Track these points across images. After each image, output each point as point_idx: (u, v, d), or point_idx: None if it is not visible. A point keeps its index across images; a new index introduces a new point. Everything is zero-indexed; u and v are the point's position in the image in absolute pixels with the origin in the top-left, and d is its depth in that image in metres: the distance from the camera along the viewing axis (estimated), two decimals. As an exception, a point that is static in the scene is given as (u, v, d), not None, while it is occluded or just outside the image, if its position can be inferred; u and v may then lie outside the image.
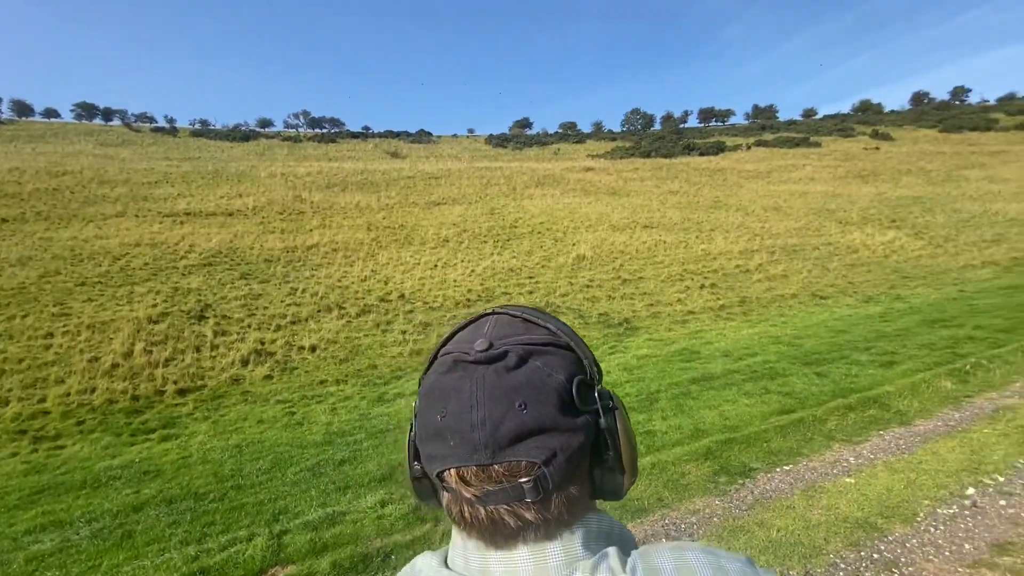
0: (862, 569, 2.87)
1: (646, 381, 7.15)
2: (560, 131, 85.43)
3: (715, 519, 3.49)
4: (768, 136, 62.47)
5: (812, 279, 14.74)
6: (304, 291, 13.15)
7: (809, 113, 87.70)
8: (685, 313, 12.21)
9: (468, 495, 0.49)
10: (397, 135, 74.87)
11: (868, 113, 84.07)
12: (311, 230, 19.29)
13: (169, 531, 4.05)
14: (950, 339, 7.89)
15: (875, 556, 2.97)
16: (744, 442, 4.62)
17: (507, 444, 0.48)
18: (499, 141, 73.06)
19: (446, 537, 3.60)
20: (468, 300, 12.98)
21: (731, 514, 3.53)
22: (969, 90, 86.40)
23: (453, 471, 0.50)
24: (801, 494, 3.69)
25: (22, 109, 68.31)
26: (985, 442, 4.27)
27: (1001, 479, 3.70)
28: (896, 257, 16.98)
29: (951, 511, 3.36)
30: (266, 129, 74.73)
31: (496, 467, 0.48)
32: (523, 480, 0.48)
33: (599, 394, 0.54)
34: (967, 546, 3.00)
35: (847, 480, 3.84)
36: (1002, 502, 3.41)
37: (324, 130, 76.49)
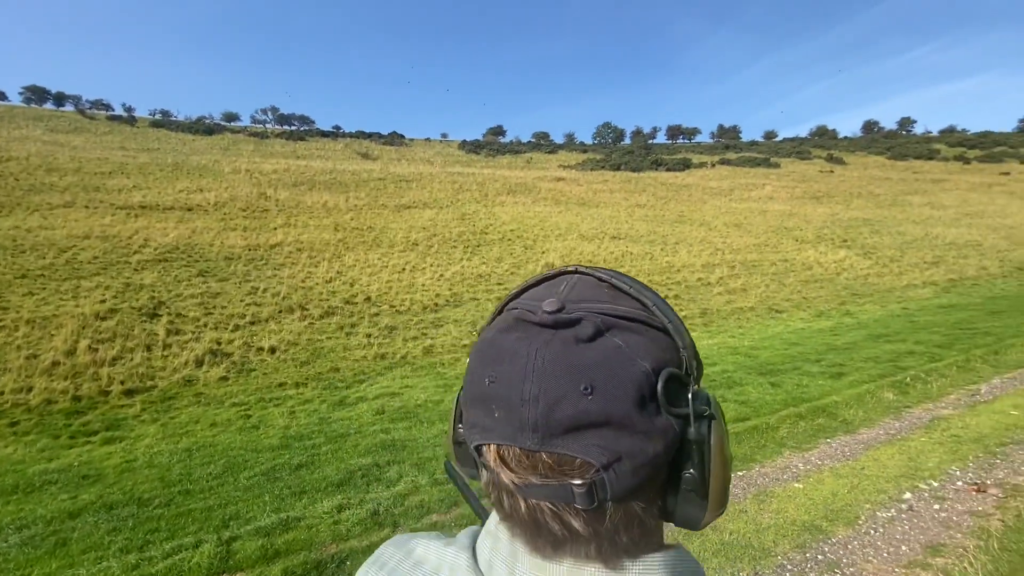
0: (807, 570, 2.99)
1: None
2: (533, 140, 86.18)
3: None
4: (732, 155, 64.72)
5: (769, 293, 15.30)
6: (265, 291, 12.77)
7: (770, 135, 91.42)
8: (648, 323, 12.44)
9: (507, 480, 0.42)
10: (369, 136, 73.86)
11: (824, 138, 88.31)
12: (275, 228, 18.78)
13: (108, 538, 3.84)
14: (893, 353, 8.34)
15: (819, 557, 3.10)
16: (701, 449, 4.73)
17: (560, 432, 0.39)
18: (472, 147, 73.08)
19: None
20: (436, 304, 12.89)
21: (686, 518, 3.61)
22: (915, 121, 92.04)
23: (493, 447, 0.43)
24: (753, 498, 3.81)
25: (-37, 90, 64.07)
26: (921, 450, 4.52)
27: (935, 484, 3.92)
28: (847, 275, 17.82)
29: (890, 514, 3.53)
30: (232, 123, 72.45)
31: (544, 455, 0.40)
32: (574, 482, 0.39)
33: (694, 395, 0.43)
34: (904, 548, 3.16)
35: (796, 485, 4.00)
36: (936, 506, 3.61)
37: (293, 127, 74.73)
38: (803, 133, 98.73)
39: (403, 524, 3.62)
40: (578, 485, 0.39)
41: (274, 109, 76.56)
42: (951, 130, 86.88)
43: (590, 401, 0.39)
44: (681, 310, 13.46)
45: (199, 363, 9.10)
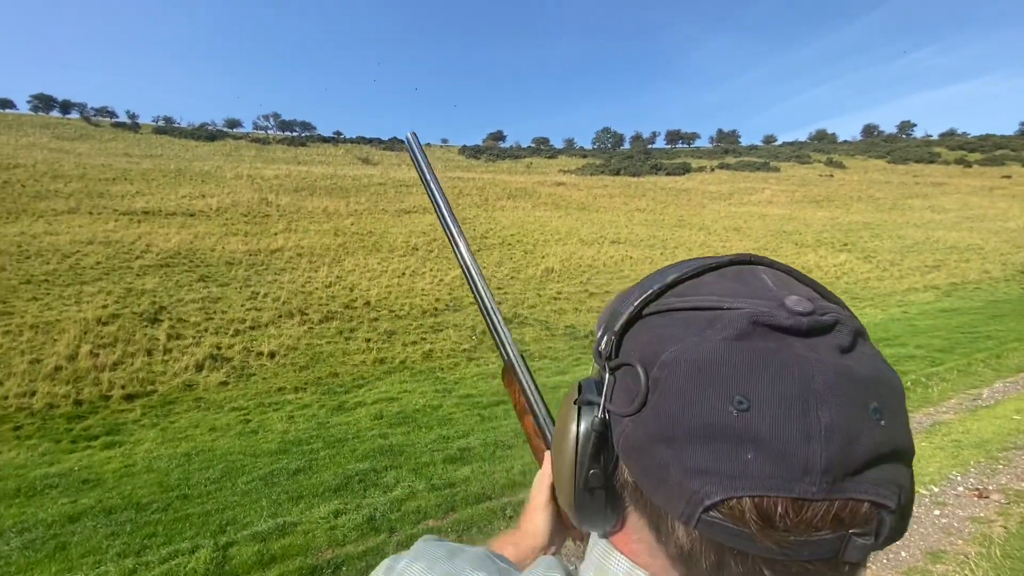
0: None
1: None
2: (533, 145, 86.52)
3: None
4: (731, 160, 64.84)
5: (770, 298, 15.26)
6: (266, 296, 12.80)
7: (769, 139, 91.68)
8: (649, 328, 12.44)
9: (765, 543, 0.31)
10: (369, 141, 74.20)
11: (823, 142, 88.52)
12: (276, 234, 18.83)
13: (107, 543, 3.84)
14: (893, 357, 8.31)
15: (817, 563, 3.07)
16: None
17: (856, 470, 0.31)
18: (473, 153, 73.34)
19: (401, 548, 3.54)
20: (436, 309, 12.90)
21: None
22: (914, 125, 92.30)
23: (747, 502, 0.31)
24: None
25: (-31, 97, 64.59)
26: (922, 455, 4.50)
27: (936, 490, 3.90)
28: (847, 279, 17.79)
29: (889, 520, 3.51)
30: (234, 130, 72.85)
31: (825, 504, 0.31)
32: (855, 531, 0.31)
33: None
34: (903, 554, 3.15)
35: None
36: (936, 512, 3.59)
37: (294, 133, 75.14)
38: (802, 137, 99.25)
39: (399, 530, 3.62)
40: (859, 535, 0.31)
41: (276, 115, 76.96)
42: (951, 133, 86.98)
43: (884, 428, 0.32)
44: (682, 314, 13.45)
45: (199, 368, 9.12)
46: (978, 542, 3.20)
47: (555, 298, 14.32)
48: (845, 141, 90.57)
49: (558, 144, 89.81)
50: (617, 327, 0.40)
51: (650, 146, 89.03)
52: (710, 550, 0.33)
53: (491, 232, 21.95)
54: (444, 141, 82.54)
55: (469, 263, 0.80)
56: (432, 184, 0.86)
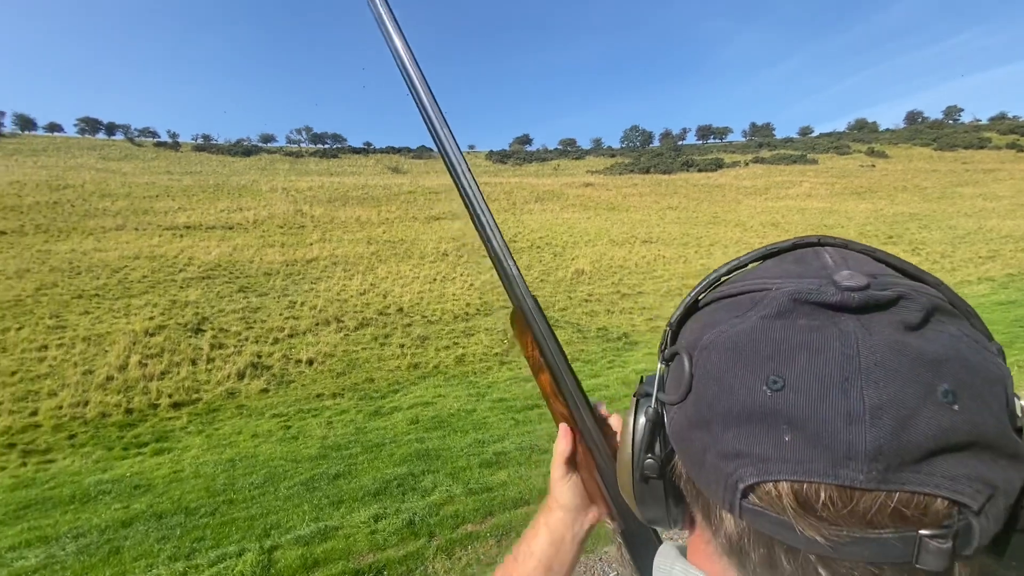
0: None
1: (645, 395, 7.10)
2: (560, 147, 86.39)
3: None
4: (766, 153, 63.14)
5: (811, 294, 14.75)
6: (303, 304, 13.11)
7: (806, 131, 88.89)
8: (684, 327, 12.19)
9: (809, 535, 0.28)
10: (398, 151, 75.56)
11: (863, 131, 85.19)
12: (311, 244, 19.32)
13: (158, 546, 3.96)
14: (950, 354, 7.87)
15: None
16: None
17: (915, 459, 0.27)
18: (499, 157, 73.73)
19: (440, 552, 3.51)
20: (467, 314, 12.95)
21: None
22: (961, 109, 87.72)
23: (786, 485, 0.28)
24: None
25: (25, 123, 68.98)
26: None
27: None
28: (894, 273, 17.02)
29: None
30: (268, 144, 75.42)
31: (882, 496, 0.27)
32: (928, 532, 0.27)
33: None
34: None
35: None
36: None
37: (326, 145, 77.19)
38: (841, 127, 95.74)
39: (439, 534, 3.60)
40: (935, 536, 0.27)
41: (308, 129, 79.33)
42: (1002, 117, 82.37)
43: (957, 413, 0.27)
44: (718, 313, 13.13)
45: (241, 376, 9.39)
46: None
47: (586, 300, 14.18)
48: (887, 129, 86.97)
49: (585, 144, 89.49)
50: (674, 319, 0.39)
51: (681, 143, 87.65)
52: (759, 543, 0.31)
53: (520, 235, 21.95)
54: (471, 147, 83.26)
55: (461, 171, 0.62)
56: (402, 54, 0.59)
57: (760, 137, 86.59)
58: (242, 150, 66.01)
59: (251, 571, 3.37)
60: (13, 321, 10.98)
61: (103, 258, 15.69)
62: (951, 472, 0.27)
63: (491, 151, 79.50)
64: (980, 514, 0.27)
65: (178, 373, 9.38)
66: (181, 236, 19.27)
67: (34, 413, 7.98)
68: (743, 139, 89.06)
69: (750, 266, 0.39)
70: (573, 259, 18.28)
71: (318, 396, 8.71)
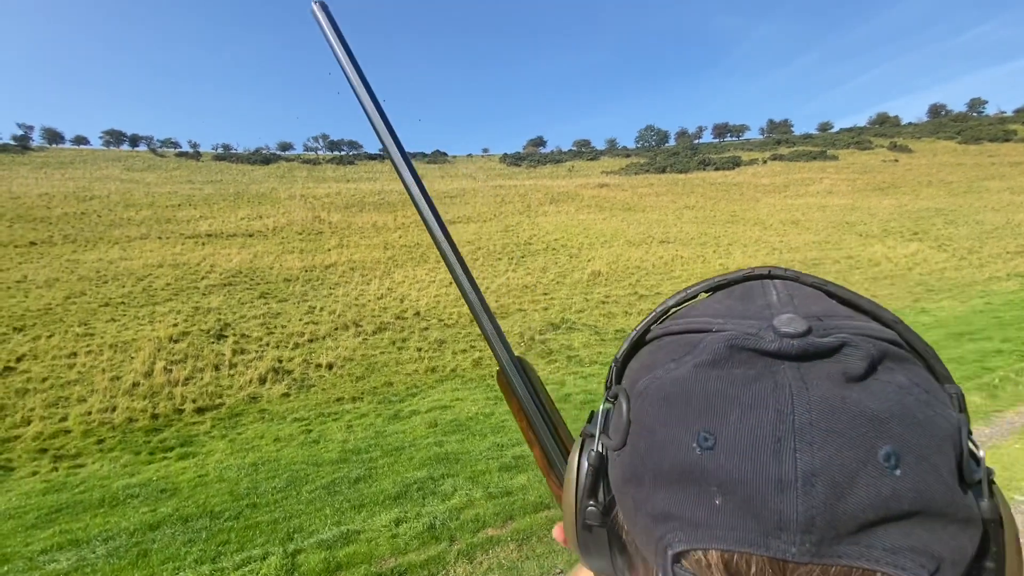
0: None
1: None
2: (574, 148, 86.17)
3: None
4: (784, 150, 62.15)
5: (833, 293, 14.45)
6: (322, 309, 13.27)
7: (825, 126, 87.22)
8: (703, 328, 12.03)
9: None
10: (413, 156, 75.81)
11: (885, 126, 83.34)
12: (329, 250, 19.55)
13: (184, 549, 4.03)
14: (978, 353, 7.63)
15: None
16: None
17: (854, 530, 0.25)
18: (514, 160, 73.83)
19: (461, 557, 3.49)
20: (483, 317, 12.97)
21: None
22: (986, 102, 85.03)
23: (715, 555, 0.27)
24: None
25: (53, 136, 71.18)
26: (1017, 458, 4.08)
27: (1041, 498, 3.51)
28: (920, 270, 16.57)
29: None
30: (286, 152, 76.62)
31: (816, 570, 0.25)
32: None
33: (973, 453, 0.29)
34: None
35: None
36: (1046, 523, 3.22)
37: (343, 152, 78.14)
38: (862, 122, 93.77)
39: (459, 539, 3.60)
40: None
41: (324, 136, 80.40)
42: (1030, 108, 79.79)
43: (898, 479, 0.25)
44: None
45: (262, 381, 9.53)
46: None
47: (603, 302, 14.09)
48: (910, 123, 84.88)
49: (600, 145, 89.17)
50: (620, 354, 0.37)
51: (697, 141, 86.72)
52: None
53: (535, 238, 21.93)
54: (485, 151, 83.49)
55: (430, 218, 0.53)
56: (354, 76, 0.54)
57: (778, 134, 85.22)
58: (261, 158, 67.21)
59: (275, 574, 3.41)
60: (44, 329, 11.31)
61: (128, 267, 16.08)
62: (892, 544, 0.25)
63: (505, 154, 79.67)
64: None
65: (201, 378, 9.55)
66: (203, 244, 19.67)
67: (64, 419, 8.20)
68: (761, 136, 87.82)
69: (700, 296, 0.38)
70: (589, 260, 18.20)
71: (338, 400, 8.79)
